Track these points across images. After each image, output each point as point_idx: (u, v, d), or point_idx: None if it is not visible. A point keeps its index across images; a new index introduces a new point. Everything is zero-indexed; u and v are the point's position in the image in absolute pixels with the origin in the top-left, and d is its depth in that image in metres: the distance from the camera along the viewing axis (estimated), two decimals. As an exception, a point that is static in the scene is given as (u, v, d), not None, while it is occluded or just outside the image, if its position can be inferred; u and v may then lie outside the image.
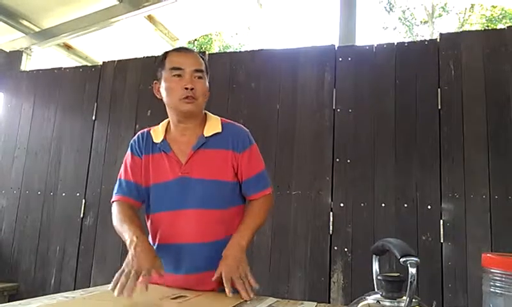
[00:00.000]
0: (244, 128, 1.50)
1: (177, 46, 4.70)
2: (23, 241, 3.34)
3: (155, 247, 1.41)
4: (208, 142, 1.40)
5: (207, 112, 1.50)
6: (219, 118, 1.49)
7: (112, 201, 1.45)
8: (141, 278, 1.14)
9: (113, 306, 1.07)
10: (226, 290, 1.23)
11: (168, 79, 1.38)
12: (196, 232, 1.36)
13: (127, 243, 1.24)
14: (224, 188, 1.41)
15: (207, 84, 1.44)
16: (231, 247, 1.33)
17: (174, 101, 1.37)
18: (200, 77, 1.40)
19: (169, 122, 1.48)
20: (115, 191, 1.45)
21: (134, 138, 1.49)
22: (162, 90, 1.41)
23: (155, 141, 1.44)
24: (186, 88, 1.35)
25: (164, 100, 1.42)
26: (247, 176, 1.44)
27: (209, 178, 1.38)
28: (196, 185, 1.37)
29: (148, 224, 1.47)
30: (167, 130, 1.46)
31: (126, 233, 1.29)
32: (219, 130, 1.43)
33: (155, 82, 1.46)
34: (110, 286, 1.14)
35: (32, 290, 3.19)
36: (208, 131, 1.42)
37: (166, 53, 1.44)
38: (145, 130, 1.50)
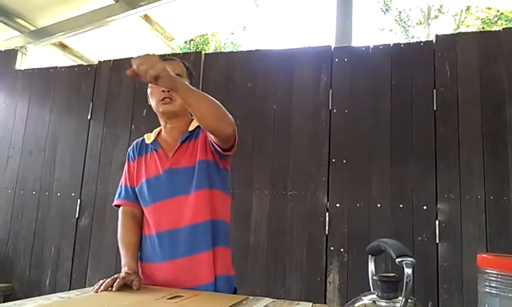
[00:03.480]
0: None
1: (173, 46, 4.71)
2: (18, 241, 3.32)
3: (147, 238, 1.49)
4: (192, 135, 1.51)
5: None
6: None
7: (114, 205, 1.58)
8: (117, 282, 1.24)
9: (108, 306, 1.07)
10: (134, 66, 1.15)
11: (151, 86, 1.51)
12: (191, 214, 1.41)
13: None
14: (208, 167, 1.45)
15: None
16: None
17: (155, 103, 1.50)
18: None
19: (161, 129, 1.60)
20: (116, 196, 1.57)
21: (130, 147, 1.62)
22: (149, 97, 1.55)
23: (147, 142, 1.57)
24: (163, 91, 1.46)
25: (152, 105, 1.54)
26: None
27: (194, 162, 1.45)
28: (183, 173, 1.45)
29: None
30: (159, 134, 1.59)
31: (122, 258, 1.42)
32: None
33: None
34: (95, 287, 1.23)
35: (27, 290, 3.17)
36: (193, 126, 1.52)
37: None
38: (140, 138, 1.63)
